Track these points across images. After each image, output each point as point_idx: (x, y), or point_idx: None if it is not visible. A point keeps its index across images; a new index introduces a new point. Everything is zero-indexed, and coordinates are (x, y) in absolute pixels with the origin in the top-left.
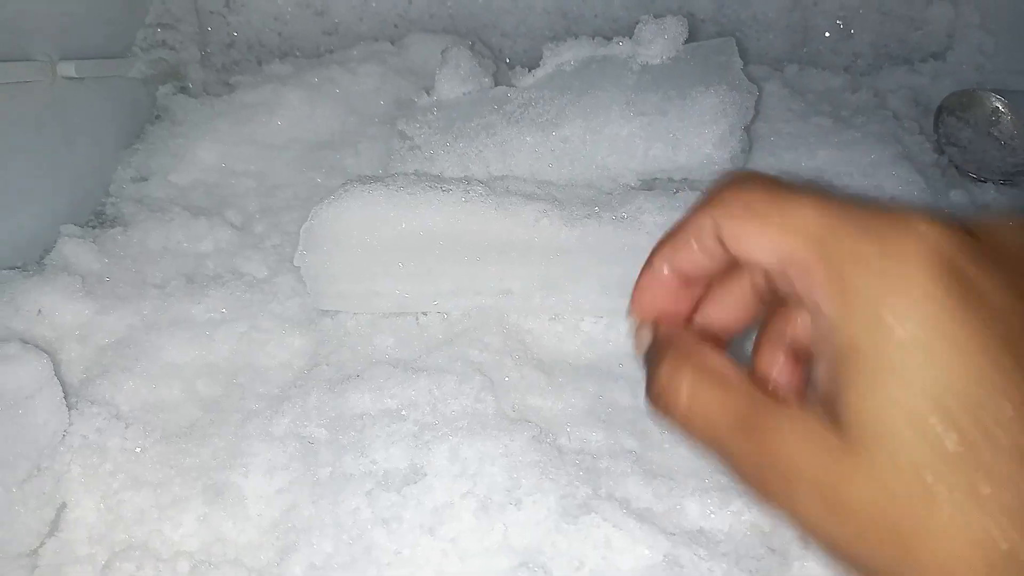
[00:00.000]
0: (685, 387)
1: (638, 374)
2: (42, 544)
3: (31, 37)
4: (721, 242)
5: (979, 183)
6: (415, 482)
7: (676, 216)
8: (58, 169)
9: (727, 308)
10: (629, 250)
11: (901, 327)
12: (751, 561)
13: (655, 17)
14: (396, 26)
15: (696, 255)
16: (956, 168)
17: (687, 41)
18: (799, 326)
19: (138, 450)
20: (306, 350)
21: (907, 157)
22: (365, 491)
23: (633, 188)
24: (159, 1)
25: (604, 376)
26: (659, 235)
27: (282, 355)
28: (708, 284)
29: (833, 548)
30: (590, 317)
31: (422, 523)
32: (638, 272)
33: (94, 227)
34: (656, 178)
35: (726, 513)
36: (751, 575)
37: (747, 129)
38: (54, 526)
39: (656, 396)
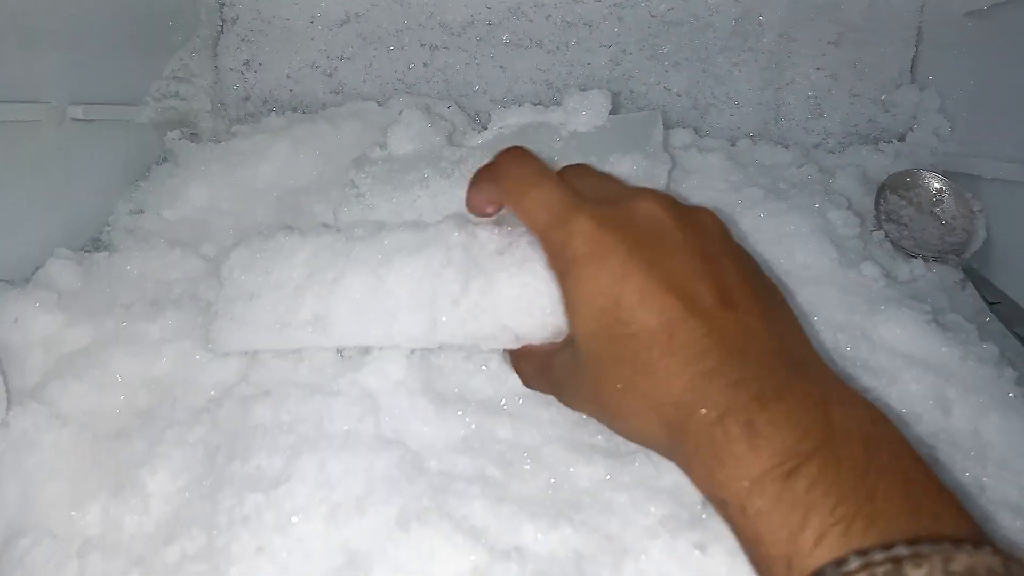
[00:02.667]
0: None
1: (523, 411)
2: None
3: (44, 82)
4: None
5: (911, 258)
6: (278, 486)
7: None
8: (59, 201)
9: None
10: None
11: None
12: None
13: (580, 90)
14: (396, 88)
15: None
16: (892, 243)
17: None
18: None
19: (68, 448)
20: (240, 369)
21: (826, 230)
22: (237, 492)
23: None
24: (177, 58)
25: (493, 411)
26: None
27: (219, 373)
28: None
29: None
30: (498, 357)
31: (278, 522)
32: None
33: (88, 251)
34: None
35: (554, 536)
36: None
37: None
38: None
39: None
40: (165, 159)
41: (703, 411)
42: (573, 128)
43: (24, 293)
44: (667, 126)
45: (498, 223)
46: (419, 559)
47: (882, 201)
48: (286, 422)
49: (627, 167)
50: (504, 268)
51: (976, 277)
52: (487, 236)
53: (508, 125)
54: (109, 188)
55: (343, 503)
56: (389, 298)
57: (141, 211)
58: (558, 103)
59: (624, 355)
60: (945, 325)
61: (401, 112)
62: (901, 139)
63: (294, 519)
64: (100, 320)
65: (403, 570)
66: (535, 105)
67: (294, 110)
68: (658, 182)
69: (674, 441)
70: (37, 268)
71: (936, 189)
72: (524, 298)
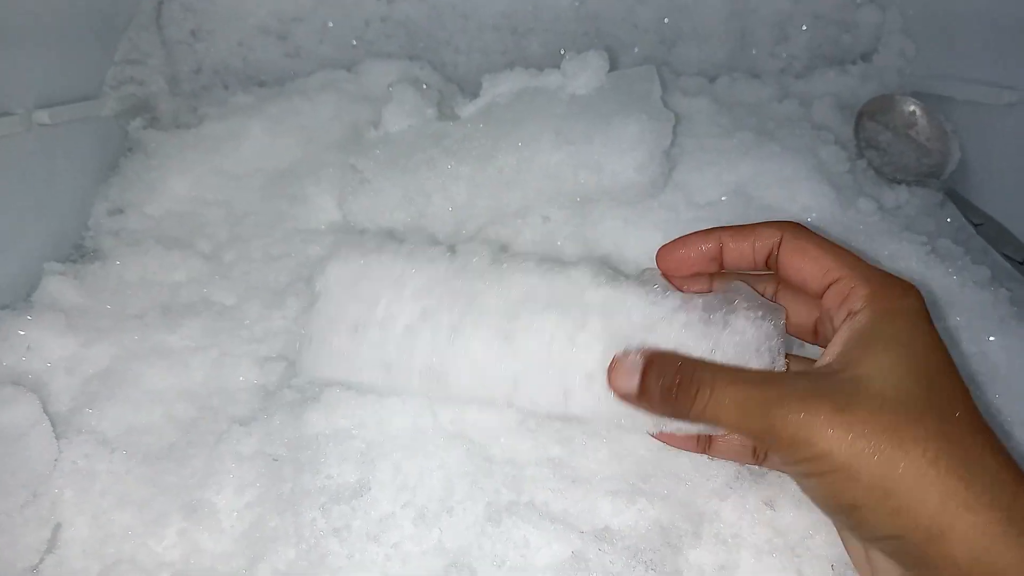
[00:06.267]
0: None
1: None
2: (42, 560)
3: (6, 91)
4: (773, 250)
5: (895, 185)
6: (362, 495)
7: None
8: (39, 210)
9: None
10: None
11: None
12: (648, 553)
13: (579, 52)
14: (355, 47)
15: (745, 248)
16: (875, 170)
17: (614, 68)
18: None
19: (123, 472)
20: (275, 371)
21: (821, 169)
22: (320, 504)
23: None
24: (127, 39)
25: None
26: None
27: (251, 378)
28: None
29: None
30: None
31: (368, 531)
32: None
33: (75, 261)
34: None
35: (632, 511)
36: (646, 565)
37: (666, 153)
38: (52, 544)
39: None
40: (131, 150)
41: None
42: (572, 91)
43: (31, 318)
44: (636, 64)
45: (643, 283)
46: (516, 550)
47: (861, 129)
48: (345, 428)
49: (633, 129)
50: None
51: (957, 198)
52: (634, 303)
53: (502, 93)
54: (83, 190)
55: (428, 504)
56: (515, 360)
57: (121, 210)
58: (523, 50)
59: None
60: (938, 252)
61: (391, 87)
62: (866, 59)
63: (384, 526)
64: (116, 336)
65: (506, 564)
66: (527, 69)
67: (249, 79)
68: (664, 140)
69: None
70: (32, 287)
71: (909, 112)
72: None
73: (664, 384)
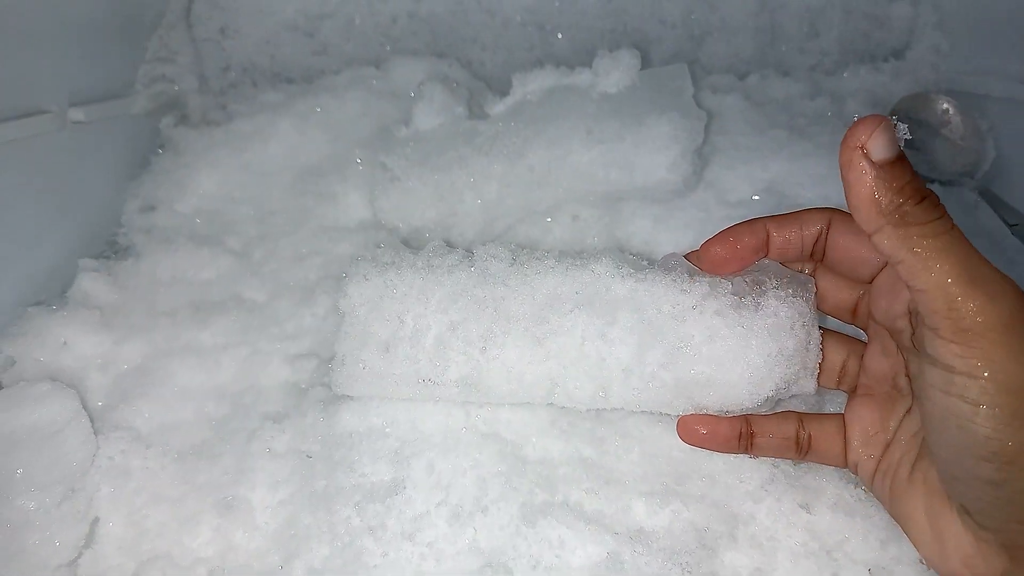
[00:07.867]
0: None
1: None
2: (79, 555)
3: (42, 90)
4: (821, 235)
5: (928, 184)
6: (396, 494)
7: None
8: (73, 207)
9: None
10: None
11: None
12: (684, 555)
13: (608, 49)
14: (381, 44)
15: (792, 236)
16: None
17: (645, 66)
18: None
19: (158, 468)
20: (306, 368)
21: None
22: (354, 502)
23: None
24: (157, 37)
25: None
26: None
27: (282, 375)
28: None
29: None
30: None
31: (403, 530)
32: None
33: (108, 257)
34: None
35: (666, 512)
36: (682, 567)
37: (698, 151)
38: (89, 539)
39: None
40: (163, 147)
41: None
42: (603, 90)
43: (66, 314)
44: (664, 60)
45: (668, 270)
46: (551, 551)
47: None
48: (378, 426)
49: (665, 127)
50: (687, 341)
51: (992, 198)
52: (662, 293)
53: (532, 91)
54: (115, 187)
55: (462, 504)
56: (550, 362)
57: (152, 207)
58: (550, 46)
59: None
60: None
61: (421, 86)
62: (898, 56)
63: (419, 525)
64: (148, 333)
65: (541, 565)
66: (557, 67)
67: (277, 76)
68: (696, 138)
69: None
70: (67, 284)
71: (943, 110)
72: (716, 377)
73: (916, 185)
